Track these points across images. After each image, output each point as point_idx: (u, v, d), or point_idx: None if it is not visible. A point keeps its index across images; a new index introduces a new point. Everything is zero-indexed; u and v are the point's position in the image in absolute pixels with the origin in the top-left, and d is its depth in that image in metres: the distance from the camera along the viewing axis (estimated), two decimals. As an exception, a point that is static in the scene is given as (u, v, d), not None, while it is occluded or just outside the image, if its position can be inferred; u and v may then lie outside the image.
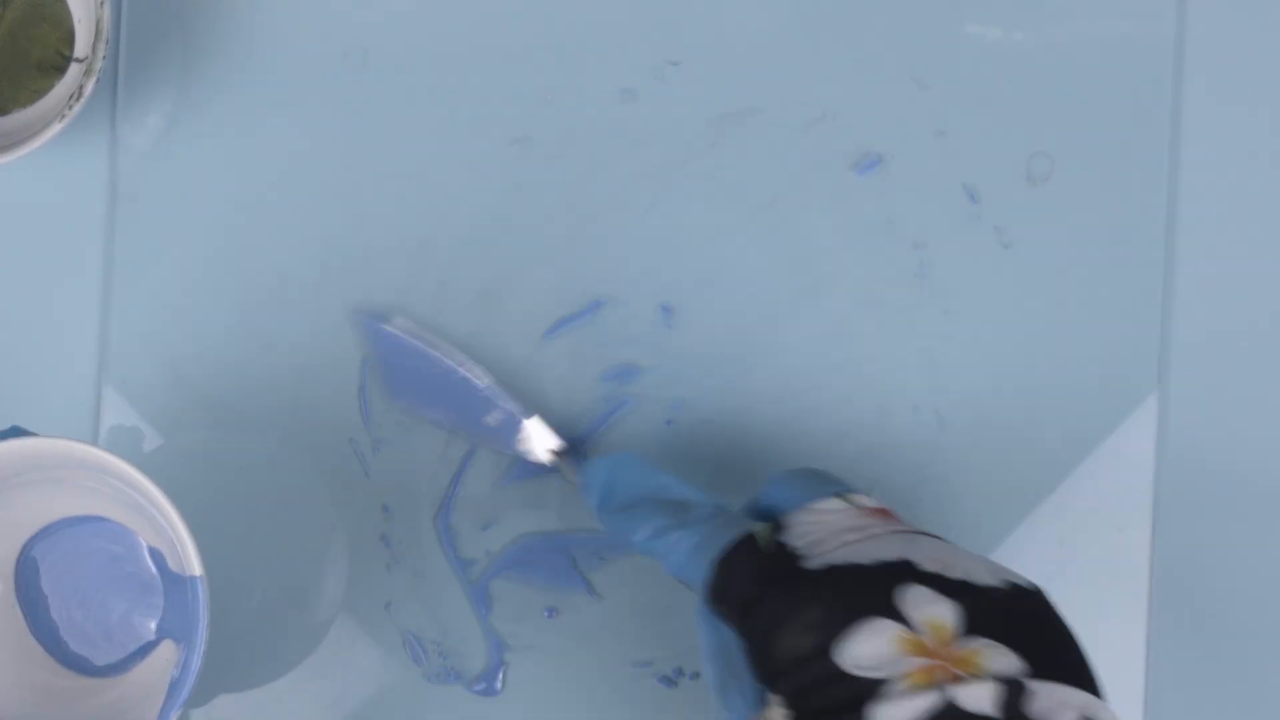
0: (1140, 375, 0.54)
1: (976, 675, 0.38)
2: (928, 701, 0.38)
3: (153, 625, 0.52)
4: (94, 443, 0.53)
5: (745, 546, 0.43)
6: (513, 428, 0.52)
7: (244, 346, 0.54)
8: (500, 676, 0.54)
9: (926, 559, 0.41)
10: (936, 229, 0.54)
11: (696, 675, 0.54)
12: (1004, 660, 0.39)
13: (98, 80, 0.50)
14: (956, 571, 0.41)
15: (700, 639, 0.45)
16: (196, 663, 0.46)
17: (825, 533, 0.43)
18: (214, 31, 0.54)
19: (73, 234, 0.54)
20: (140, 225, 0.54)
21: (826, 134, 0.54)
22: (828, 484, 0.46)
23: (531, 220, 0.54)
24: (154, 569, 0.52)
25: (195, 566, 0.46)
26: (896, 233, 0.54)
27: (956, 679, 0.38)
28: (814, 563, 0.42)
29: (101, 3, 0.50)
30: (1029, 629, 0.40)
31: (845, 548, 0.42)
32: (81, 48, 0.53)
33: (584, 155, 0.54)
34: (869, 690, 0.39)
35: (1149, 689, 0.54)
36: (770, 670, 0.41)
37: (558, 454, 0.52)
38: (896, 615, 0.40)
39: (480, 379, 0.52)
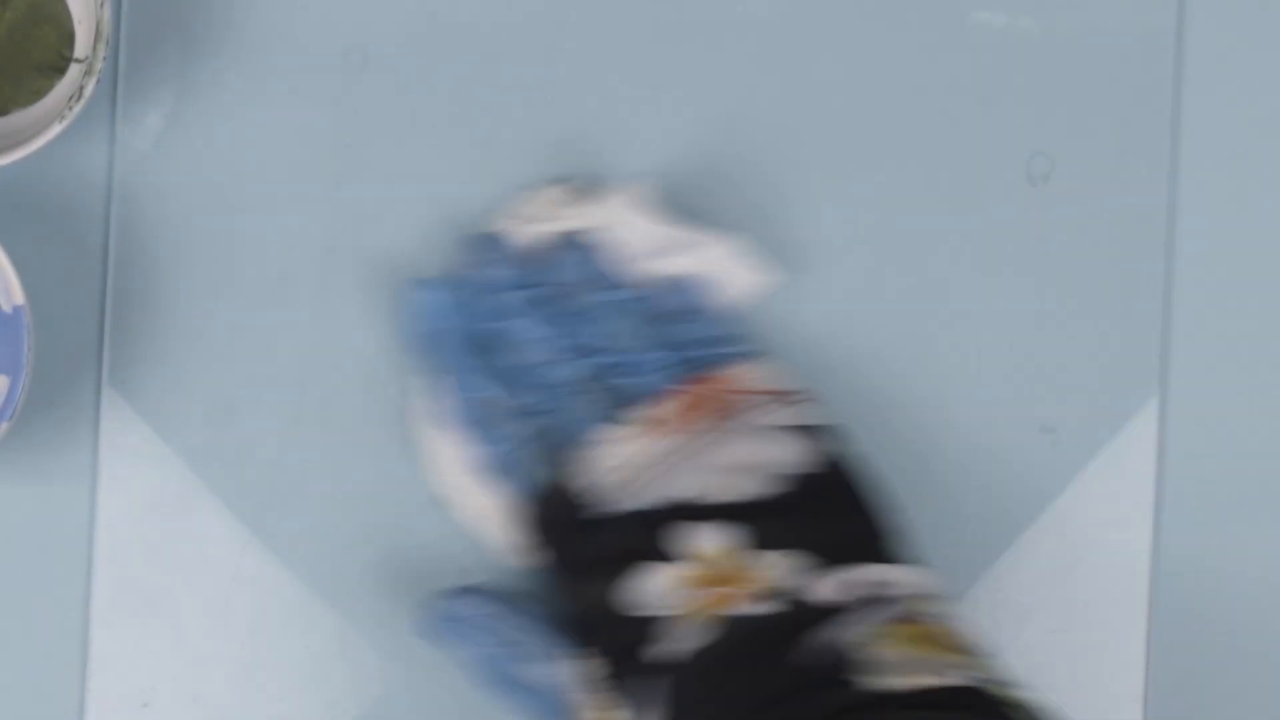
0: (1141, 378, 0.54)
1: (759, 593, 0.43)
2: (705, 630, 0.42)
3: None
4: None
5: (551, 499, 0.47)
6: None
7: (244, 346, 0.54)
8: None
9: (717, 488, 0.45)
10: (937, 228, 0.54)
11: None
12: (786, 566, 0.43)
13: (98, 80, 0.50)
14: (748, 481, 0.45)
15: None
16: (21, 393, 0.46)
17: (631, 471, 0.46)
18: (214, 31, 0.54)
19: (73, 234, 0.54)
20: (140, 225, 0.54)
21: (826, 134, 0.54)
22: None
23: (531, 220, 0.54)
24: None
25: (18, 295, 0.45)
26: (896, 231, 0.54)
27: (737, 600, 0.43)
28: (609, 508, 0.46)
29: (102, 3, 0.50)
30: (820, 521, 0.45)
31: (644, 489, 0.46)
32: (82, 48, 0.53)
33: (586, 156, 0.54)
34: (647, 629, 0.43)
35: (1149, 689, 0.54)
36: (581, 625, 0.45)
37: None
38: (673, 554, 0.44)
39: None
